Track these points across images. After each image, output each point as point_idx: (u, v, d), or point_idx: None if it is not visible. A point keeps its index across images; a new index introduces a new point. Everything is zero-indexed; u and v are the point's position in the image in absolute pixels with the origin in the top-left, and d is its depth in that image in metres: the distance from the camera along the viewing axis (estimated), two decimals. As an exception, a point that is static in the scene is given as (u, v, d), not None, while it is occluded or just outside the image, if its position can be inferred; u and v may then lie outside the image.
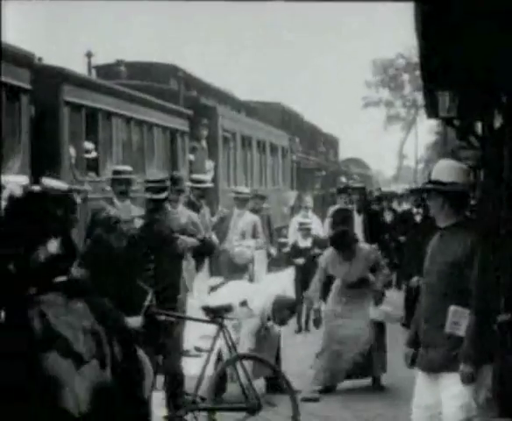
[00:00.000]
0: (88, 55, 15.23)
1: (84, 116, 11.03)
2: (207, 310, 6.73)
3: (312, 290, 8.90)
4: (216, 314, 6.68)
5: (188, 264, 9.52)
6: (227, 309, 6.77)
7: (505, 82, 7.85)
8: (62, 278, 2.53)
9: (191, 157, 16.36)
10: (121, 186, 8.94)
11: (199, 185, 10.77)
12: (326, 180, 31.81)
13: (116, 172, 9.22)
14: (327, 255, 8.85)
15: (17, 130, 9.14)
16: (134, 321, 6.41)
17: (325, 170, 32.64)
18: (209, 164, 16.60)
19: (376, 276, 8.61)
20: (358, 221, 12.05)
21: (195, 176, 11.50)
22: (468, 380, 4.78)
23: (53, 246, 2.50)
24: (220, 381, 7.05)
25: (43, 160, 9.45)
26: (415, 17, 6.36)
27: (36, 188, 8.05)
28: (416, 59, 13.58)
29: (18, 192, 2.75)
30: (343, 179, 31.10)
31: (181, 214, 9.21)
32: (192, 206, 10.46)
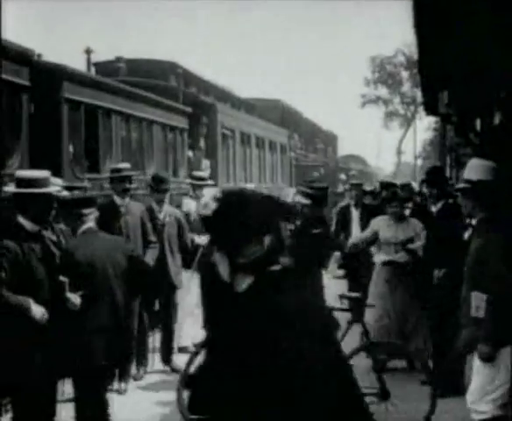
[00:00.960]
0: (88, 52, 15.20)
1: (83, 113, 11.04)
2: (343, 297, 6.95)
3: (359, 239, 9.72)
4: (351, 302, 6.94)
5: (174, 259, 9.59)
6: (360, 298, 7.06)
7: (504, 78, 7.86)
8: (276, 267, 2.85)
9: (190, 154, 16.37)
10: (122, 184, 8.97)
11: (199, 182, 10.79)
12: (325, 177, 31.85)
13: (115, 170, 9.22)
14: (379, 219, 9.47)
15: (17, 127, 9.14)
16: None
17: (324, 167, 32.64)
18: (205, 163, 16.59)
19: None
20: (355, 215, 12.37)
21: (195, 173, 11.50)
22: (486, 359, 5.15)
23: (268, 240, 2.80)
24: None
25: (42, 158, 9.44)
26: (413, 13, 6.38)
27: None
28: (415, 56, 13.59)
29: (219, 195, 2.88)
30: (342, 176, 31.10)
31: (166, 213, 9.45)
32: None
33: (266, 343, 2.68)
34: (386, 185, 12.85)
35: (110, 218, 8.40)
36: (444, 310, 7.46)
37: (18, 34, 9.87)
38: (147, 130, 13.83)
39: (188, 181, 11.43)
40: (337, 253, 12.89)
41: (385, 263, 9.17)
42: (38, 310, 5.45)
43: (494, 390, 5.17)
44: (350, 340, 7.17)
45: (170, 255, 9.50)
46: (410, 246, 9.06)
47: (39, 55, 10.75)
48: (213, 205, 2.90)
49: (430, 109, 12.78)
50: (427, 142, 50.64)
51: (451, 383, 7.67)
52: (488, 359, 5.15)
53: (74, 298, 5.97)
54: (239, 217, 2.80)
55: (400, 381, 8.47)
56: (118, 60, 17.97)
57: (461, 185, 5.69)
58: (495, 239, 5.26)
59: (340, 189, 16.98)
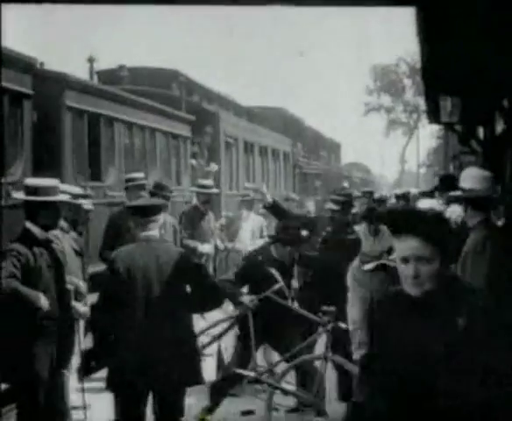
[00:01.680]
0: (91, 60, 15.23)
1: (86, 121, 11.04)
2: (327, 312, 7.09)
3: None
4: (327, 316, 7.05)
5: None
6: (336, 314, 7.11)
7: (507, 87, 7.86)
8: None
9: (193, 162, 16.38)
10: (136, 192, 9.11)
11: (205, 190, 10.77)
12: (328, 185, 31.83)
13: (130, 179, 9.37)
14: (360, 227, 9.68)
15: (20, 135, 9.15)
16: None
17: (326, 175, 32.63)
18: (213, 166, 16.57)
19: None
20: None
21: (200, 182, 11.49)
22: None
23: None
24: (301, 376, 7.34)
25: (45, 165, 9.46)
26: (416, 22, 6.37)
27: None
28: (417, 64, 13.63)
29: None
30: (345, 184, 31.09)
31: (165, 221, 9.49)
32: (197, 212, 10.51)
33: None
34: (401, 196, 13.88)
35: (123, 227, 8.43)
36: None
37: (21, 43, 9.88)
38: (150, 138, 13.84)
39: (194, 189, 11.44)
40: None
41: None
42: (46, 302, 5.51)
43: None
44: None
45: None
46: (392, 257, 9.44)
47: (42, 64, 10.76)
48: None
49: (434, 117, 12.77)
50: (431, 151, 50.63)
51: None
52: None
53: (79, 307, 5.99)
54: None
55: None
56: (121, 68, 17.99)
57: (454, 193, 6.15)
58: (478, 246, 5.51)
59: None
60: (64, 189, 6.95)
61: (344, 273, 7.92)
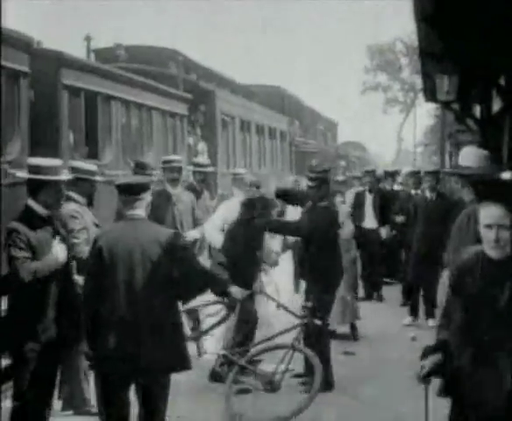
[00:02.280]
0: (88, 39, 15.19)
1: (83, 99, 11.03)
2: (305, 308, 7.53)
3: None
4: (305, 311, 7.49)
5: None
6: (313, 308, 7.49)
7: (503, 66, 7.88)
8: None
9: (190, 141, 16.38)
10: (173, 173, 9.63)
11: (201, 169, 10.81)
12: (325, 163, 31.75)
13: (168, 161, 9.86)
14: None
15: (17, 113, 9.15)
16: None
17: (322, 153, 32.61)
18: (201, 146, 16.60)
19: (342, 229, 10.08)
20: (369, 199, 13.60)
21: (196, 160, 11.54)
22: None
23: None
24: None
25: (42, 144, 9.46)
26: (414, 1, 6.38)
27: None
28: (414, 43, 13.63)
29: None
30: (342, 163, 31.09)
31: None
32: (193, 190, 10.53)
33: None
34: (390, 173, 14.70)
35: (162, 206, 9.21)
36: None
37: (18, 21, 9.85)
38: (147, 116, 13.83)
39: (190, 167, 11.47)
40: None
41: None
42: (62, 252, 5.70)
43: None
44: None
45: None
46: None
47: (39, 42, 10.73)
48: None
49: (430, 95, 12.78)
50: (427, 129, 50.60)
51: None
52: None
53: (82, 281, 6.04)
54: None
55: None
56: (118, 46, 17.92)
57: (449, 170, 6.54)
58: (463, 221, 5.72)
59: (341, 177, 16.99)
60: (80, 166, 7.13)
61: (320, 246, 8.08)
